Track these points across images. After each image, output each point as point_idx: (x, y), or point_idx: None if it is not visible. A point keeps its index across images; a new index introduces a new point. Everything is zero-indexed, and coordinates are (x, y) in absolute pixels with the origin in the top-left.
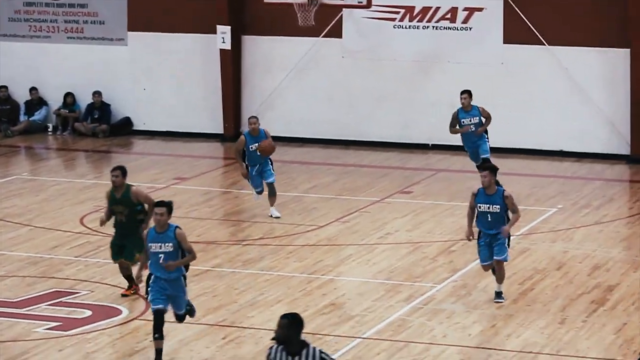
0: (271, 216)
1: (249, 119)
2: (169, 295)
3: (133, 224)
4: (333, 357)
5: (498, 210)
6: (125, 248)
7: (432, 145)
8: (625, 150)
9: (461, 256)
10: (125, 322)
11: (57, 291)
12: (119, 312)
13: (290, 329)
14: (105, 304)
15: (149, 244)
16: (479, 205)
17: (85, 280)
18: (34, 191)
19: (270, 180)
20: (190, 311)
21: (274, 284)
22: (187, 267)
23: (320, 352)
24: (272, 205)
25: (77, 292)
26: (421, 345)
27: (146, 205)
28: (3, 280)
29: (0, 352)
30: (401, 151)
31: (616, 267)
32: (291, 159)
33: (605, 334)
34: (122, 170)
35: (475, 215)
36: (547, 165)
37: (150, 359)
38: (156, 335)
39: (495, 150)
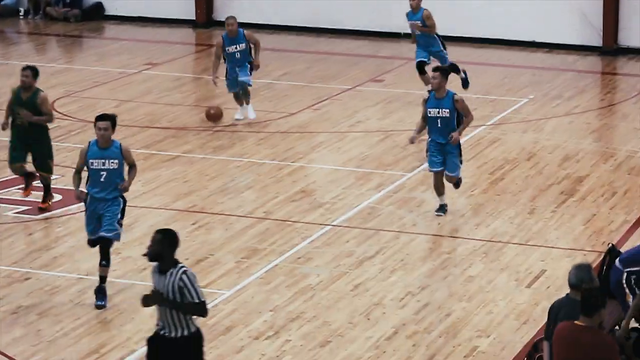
0: (238, 119)
1: (227, 19)
2: (100, 215)
3: (37, 130)
4: (196, 284)
5: (447, 115)
6: (36, 160)
7: (403, 34)
8: (597, 42)
9: None
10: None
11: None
12: None
13: (163, 244)
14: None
15: (90, 161)
16: (429, 110)
17: (56, 165)
18: (5, 75)
19: (242, 79)
20: (115, 236)
21: (244, 171)
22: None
23: (184, 272)
24: (246, 102)
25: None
26: (391, 233)
27: (45, 117)
28: None
29: None
30: (373, 39)
31: (586, 158)
32: (263, 46)
33: (575, 225)
34: (33, 71)
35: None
36: (519, 55)
37: (117, 244)
38: (103, 262)
39: (468, 40)
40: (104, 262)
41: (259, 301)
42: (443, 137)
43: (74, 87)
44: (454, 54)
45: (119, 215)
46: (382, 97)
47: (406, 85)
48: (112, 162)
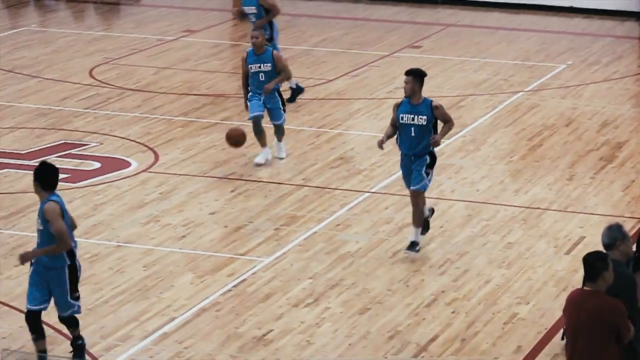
0: (263, 161)
1: (252, 31)
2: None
3: None
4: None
5: (424, 123)
6: None
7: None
8: (635, 7)
9: (470, 111)
10: (134, 175)
11: (66, 143)
12: (128, 164)
13: None
14: (114, 156)
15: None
16: (401, 116)
17: (94, 132)
18: (43, 43)
19: (277, 122)
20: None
21: (282, 137)
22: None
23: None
24: (279, 140)
25: (86, 144)
26: (429, 200)
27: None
28: (12, 132)
29: (10, 203)
30: (411, 5)
31: (625, 124)
32: (301, 12)
33: (613, 191)
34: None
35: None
36: (557, 21)
37: (156, 212)
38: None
39: (505, 6)
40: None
41: (297, 268)
42: (415, 148)
43: (111, 54)
44: (491, 19)
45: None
46: (420, 64)
47: (444, 51)
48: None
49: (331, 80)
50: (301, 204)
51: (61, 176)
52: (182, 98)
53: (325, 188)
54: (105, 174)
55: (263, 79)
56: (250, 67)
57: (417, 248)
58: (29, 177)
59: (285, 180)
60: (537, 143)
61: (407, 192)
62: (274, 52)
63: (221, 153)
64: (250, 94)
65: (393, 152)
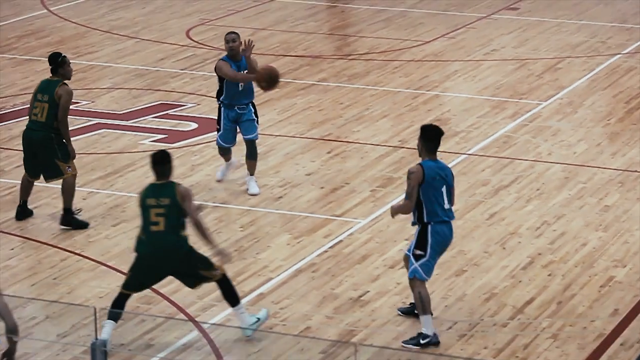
0: (247, 190)
1: (225, 36)
2: None
3: None
4: None
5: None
6: None
7: None
8: None
9: (567, 74)
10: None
11: (163, 103)
12: None
13: None
14: (211, 116)
15: None
16: None
17: (191, 93)
18: (141, 4)
19: (250, 136)
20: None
21: (379, 99)
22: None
23: None
24: (251, 173)
25: (183, 105)
26: (526, 162)
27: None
28: (110, 93)
29: (107, 163)
30: None
31: None
32: None
33: None
34: None
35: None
36: None
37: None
38: None
39: None
40: None
41: (394, 230)
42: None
43: (208, 15)
44: None
45: None
46: (517, 25)
47: (541, 13)
48: None
49: (428, 42)
50: (398, 166)
51: (158, 137)
52: (278, 59)
53: None
54: (202, 134)
55: (242, 88)
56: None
57: (424, 341)
58: (126, 138)
59: (382, 141)
60: (634, 106)
61: (504, 154)
62: (248, 56)
63: (318, 114)
64: (223, 112)
65: (490, 114)
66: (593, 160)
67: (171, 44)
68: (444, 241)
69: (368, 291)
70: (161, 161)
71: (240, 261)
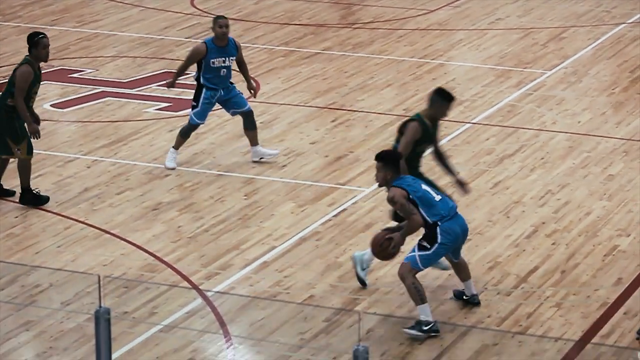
0: (261, 159)
1: (216, 19)
2: None
3: None
4: None
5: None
6: None
7: None
8: None
9: (572, 43)
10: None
11: (167, 72)
12: None
13: None
14: None
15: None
16: (212, 61)
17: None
18: None
19: (244, 109)
20: None
21: (384, 68)
22: None
23: None
24: (254, 143)
25: (188, 73)
26: (530, 132)
27: None
28: (114, 61)
29: (111, 131)
30: None
31: None
32: None
33: None
34: None
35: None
36: None
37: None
38: None
39: None
40: None
41: None
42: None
43: None
44: None
45: None
46: None
47: None
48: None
49: (433, 11)
50: None
51: (163, 105)
52: (283, 28)
53: None
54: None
55: (224, 74)
56: (212, 62)
57: (427, 327)
58: (130, 106)
59: (387, 110)
60: (639, 75)
61: (508, 123)
62: (236, 41)
63: (322, 83)
64: (206, 94)
65: (494, 83)
66: (597, 130)
67: (176, 12)
68: (455, 239)
69: (372, 260)
70: None
71: (244, 229)
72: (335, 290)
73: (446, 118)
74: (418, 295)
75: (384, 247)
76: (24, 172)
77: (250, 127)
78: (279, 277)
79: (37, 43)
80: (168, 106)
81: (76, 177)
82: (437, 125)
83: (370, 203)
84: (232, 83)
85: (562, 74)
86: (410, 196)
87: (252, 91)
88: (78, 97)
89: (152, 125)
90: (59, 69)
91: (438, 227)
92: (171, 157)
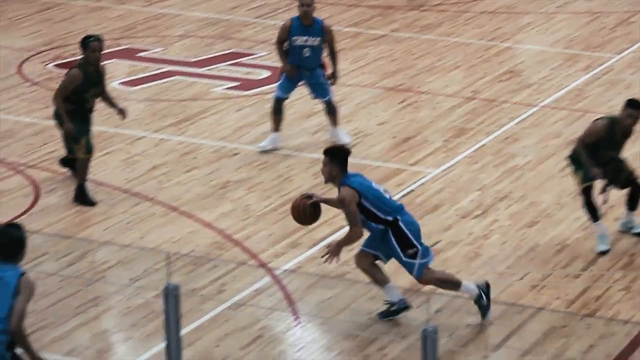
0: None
1: None
2: None
3: None
4: None
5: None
6: None
7: None
8: None
9: None
10: (301, 84)
11: (235, 52)
12: None
13: None
14: None
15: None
16: (294, 38)
17: (264, 42)
18: None
19: (324, 98)
20: None
21: (451, 50)
22: None
23: None
24: (334, 124)
25: (255, 54)
26: (599, 115)
27: None
28: (181, 40)
29: (179, 110)
30: None
31: None
32: None
33: None
34: None
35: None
36: None
37: (325, 122)
38: None
39: None
40: None
41: (466, 180)
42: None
43: None
44: None
45: None
46: None
47: None
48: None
49: None
50: (470, 117)
51: (231, 84)
52: (350, 9)
53: (494, 101)
54: (274, 82)
55: (308, 54)
56: (294, 40)
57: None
58: (198, 85)
59: (455, 92)
60: None
61: (577, 107)
62: (324, 23)
63: (390, 64)
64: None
65: (562, 67)
66: None
67: None
68: (418, 229)
69: (440, 240)
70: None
71: None
72: (404, 271)
73: (515, 101)
74: (450, 284)
75: (302, 211)
76: (81, 170)
77: (330, 112)
78: (346, 256)
79: (86, 46)
80: (236, 85)
81: (144, 155)
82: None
83: (438, 184)
84: (322, 67)
85: (630, 58)
86: (362, 200)
87: (330, 80)
88: (146, 76)
89: (219, 104)
90: (126, 48)
91: (400, 222)
92: (271, 140)
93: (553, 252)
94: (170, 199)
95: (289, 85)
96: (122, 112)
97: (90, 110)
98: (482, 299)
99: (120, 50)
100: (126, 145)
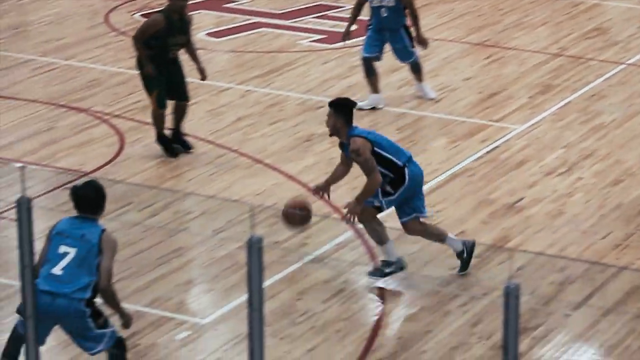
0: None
1: None
2: None
3: None
4: None
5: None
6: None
7: None
8: None
9: None
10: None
11: (322, 4)
12: None
13: None
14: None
15: None
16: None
17: None
18: None
19: (406, 61)
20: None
21: (539, 6)
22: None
23: None
24: (419, 80)
25: (342, 7)
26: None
27: None
28: None
29: (265, 61)
30: None
31: None
32: None
33: None
34: None
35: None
36: None
37: (409, 77)
38: None
39: None
40: None
41: (551, 137)
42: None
43: None
44: None
45: None
46: None
47: None
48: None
49: None
50: (556, 73)
51: (318, 37)
52: None
53: (581, 58)
54: (361, 36)
55: (385, 14)
56: (372, 1)
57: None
58: (284, 37)
59: (541, 48)
60: None
61: None
62: None
63: (477, 19)
64: (370, 31)
65: None
66: None
67: None
68: (417, 184)
69: (523, 197)
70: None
71: None
72: (486, 227)
73: (601, 58)
74: (437, 235)
75: (291, 219)
76: (155, 122)
77: (414, 71)
78: (430, 212)
79: None
80: (323, 38)
81: (229, 107)
82: None
83: (523, 141)
84: (406, 28)
85: None
86: (375, 148)
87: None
88: (233, 27)
89: (306, 56)
90: None
91: (406, 169)
92: (373, 100)
93: (637, 212)
94: (255, 151)
95: (373, 43)
96: (202, 72)
97: (172, 61)
98: (464, 255)
99: (207, 0)
100: (211, 96)
